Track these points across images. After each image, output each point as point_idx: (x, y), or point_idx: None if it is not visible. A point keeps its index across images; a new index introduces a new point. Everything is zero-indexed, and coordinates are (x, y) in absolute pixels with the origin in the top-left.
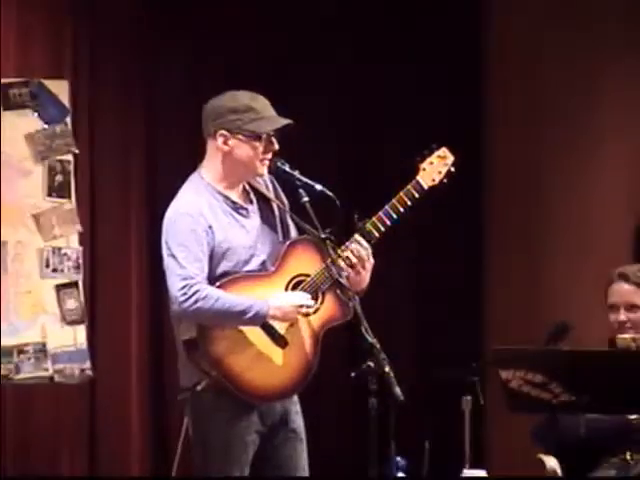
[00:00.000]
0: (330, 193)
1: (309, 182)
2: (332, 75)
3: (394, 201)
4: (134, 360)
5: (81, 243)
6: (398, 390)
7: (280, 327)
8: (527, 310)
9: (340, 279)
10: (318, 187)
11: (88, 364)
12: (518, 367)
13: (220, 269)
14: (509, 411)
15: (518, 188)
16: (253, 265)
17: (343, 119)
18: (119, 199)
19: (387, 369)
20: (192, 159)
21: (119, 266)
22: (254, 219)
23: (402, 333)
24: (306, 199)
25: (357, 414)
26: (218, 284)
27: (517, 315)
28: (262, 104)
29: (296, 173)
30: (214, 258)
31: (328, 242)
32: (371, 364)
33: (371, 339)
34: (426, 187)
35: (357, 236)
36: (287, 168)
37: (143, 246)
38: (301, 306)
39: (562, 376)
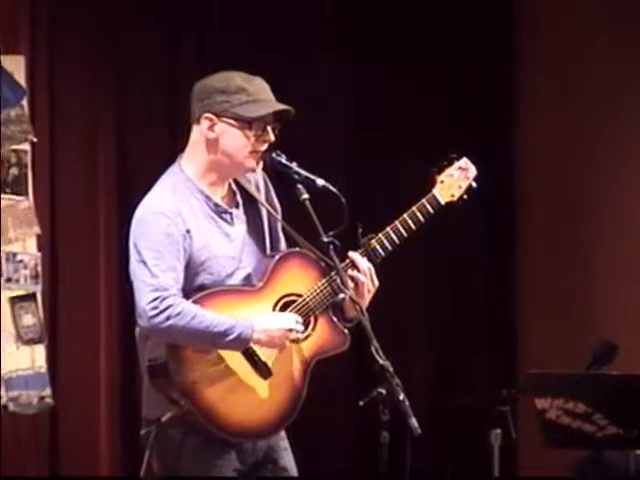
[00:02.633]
0: (334, 189)
1: (309, 176)
2: (349, 74)
3: (405, 216)
4: (103, 384)
5: (39, 248)
6: (414, 421)
7: (265, 354)
8: (567, 330)
9: (347, 292)
10: (320, 182)
11: (48, 391)
12: (556, 395)
13: (198, 281)
14: (545, 446)
15: (556, 203)
16: (236, 279)
17: (357, 118)
18: (84, 196)
19: (401, 397)
20: (170, 149)
21: (85, 275)
22: (239, 226)
23: (419, 355)
24: (306, 196)
25: (366, 449)
26: (193, 299)
27: (555, 335)
28: (257, 87)
29: (294, 166)
30: (191, 268)
31: (331, 247)
32: (382, 391)
33: (383, 361)
34: (443, 203)
35: (352, 254)
36: (283, 160)
37: (113, 251)
38: (291, 330)
39: (608, 405)
